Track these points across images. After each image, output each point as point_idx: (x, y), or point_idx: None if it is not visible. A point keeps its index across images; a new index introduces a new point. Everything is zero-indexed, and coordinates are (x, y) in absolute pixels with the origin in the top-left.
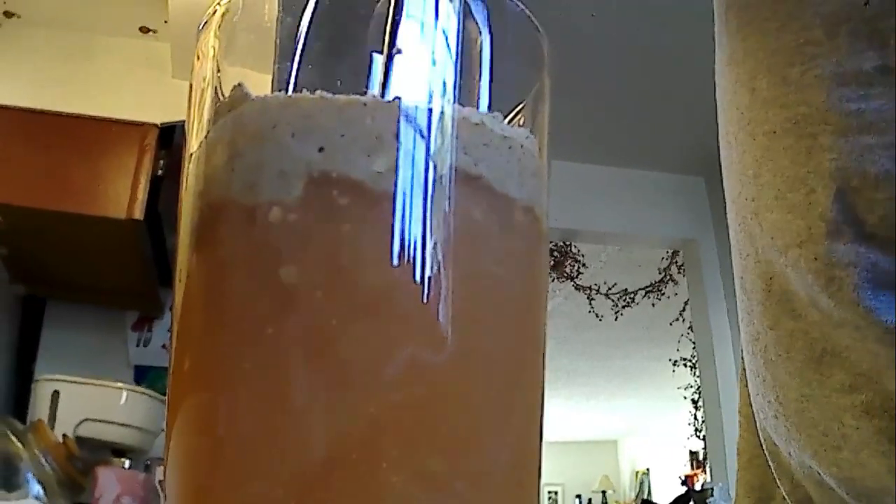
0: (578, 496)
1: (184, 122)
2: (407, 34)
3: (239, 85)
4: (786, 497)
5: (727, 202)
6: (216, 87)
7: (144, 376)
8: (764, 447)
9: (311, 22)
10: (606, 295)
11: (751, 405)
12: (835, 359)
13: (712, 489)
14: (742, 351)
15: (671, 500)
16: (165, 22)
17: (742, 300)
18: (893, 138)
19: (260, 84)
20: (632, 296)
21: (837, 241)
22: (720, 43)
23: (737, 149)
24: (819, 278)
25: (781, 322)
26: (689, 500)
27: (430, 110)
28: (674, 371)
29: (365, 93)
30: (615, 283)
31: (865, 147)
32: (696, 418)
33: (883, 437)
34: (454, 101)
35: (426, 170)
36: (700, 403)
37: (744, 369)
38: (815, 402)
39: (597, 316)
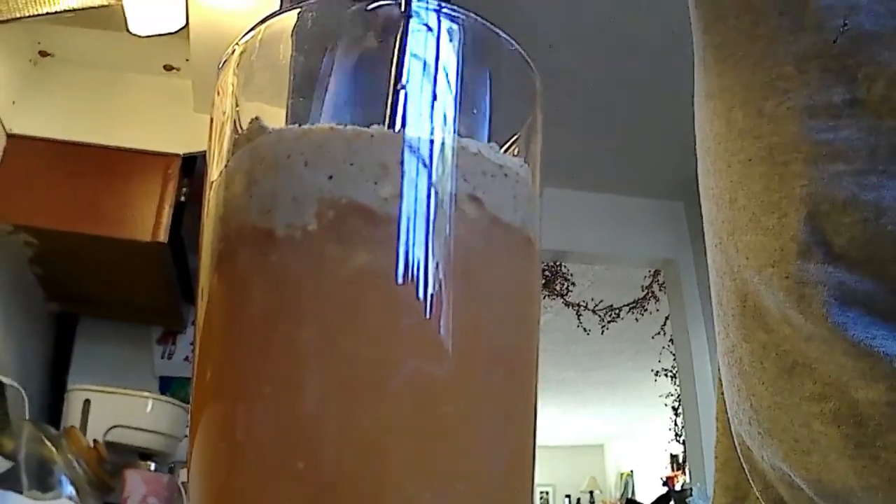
0: (568, 496)
1: (205, 152)
2: (411, 71)
3: (256, 118)
4: (759, 497)
5: (705, 224)
6: (235, 121)
7: (169, 386)
8: (739, 451)
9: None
10: (593, 311)
11: (727, 412)
12: (805, 370)
13: (691, 489)
14: (719, 362)
15: (653, 499)
16: (187, 60)
17: (719, 315)
18: (860, 166)
19: (275, 118)
20: (617, 311)
21: (808, 261)
22: (699, 78)
23: (714, 175)
24: (790, 295)
25: (755, 336)
26: (670, 500)
27: (432, 141)
28: (655, 380)
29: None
30: (601, 300)
31: (834, 174)
32: (676, 424)
33: (849, 443)
34: (454, 133)
35: (428, 196)
36: (680, 410)
37: (721, 379)
38: (787, 409)
39: (585, 330)
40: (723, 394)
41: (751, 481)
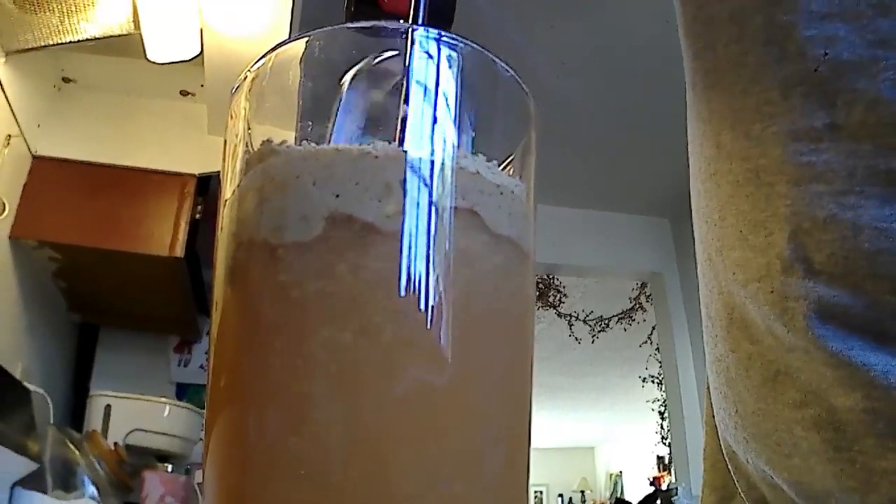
0: (560, 495)
1: (219, 172)
2: (413, 95)
3: (267, 140)
4: (744, 497)
5: (696, 241)
6: (247, 143)
7: (185, 392)
8: (725, 453)
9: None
10: (584, 321)
11: (714, 417)
12: (787, 378)
13: (677, 489)
14: (707, 370)
15: (641, 498)
16: (202, 86)
17: (707, 326)
18: (839, 187)
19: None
20: (606, 322)
21: (790, 276)
22: (690, 103)
23: (704, 195)
24: (774, 309)
25: (741, 346)
26: (657, 499)
27: (433, 161)
28: (643, 386)
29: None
30: (592, 311)
31: (815, 194)
32: (662, 427)
33: (829, 447)
34: (453, 154)
35: (429, 213)
36: (666, 414)
37: (708, 386)
38: (770, 415)
39: (576, 339)
40: (711, 400)
41: (736, 482)
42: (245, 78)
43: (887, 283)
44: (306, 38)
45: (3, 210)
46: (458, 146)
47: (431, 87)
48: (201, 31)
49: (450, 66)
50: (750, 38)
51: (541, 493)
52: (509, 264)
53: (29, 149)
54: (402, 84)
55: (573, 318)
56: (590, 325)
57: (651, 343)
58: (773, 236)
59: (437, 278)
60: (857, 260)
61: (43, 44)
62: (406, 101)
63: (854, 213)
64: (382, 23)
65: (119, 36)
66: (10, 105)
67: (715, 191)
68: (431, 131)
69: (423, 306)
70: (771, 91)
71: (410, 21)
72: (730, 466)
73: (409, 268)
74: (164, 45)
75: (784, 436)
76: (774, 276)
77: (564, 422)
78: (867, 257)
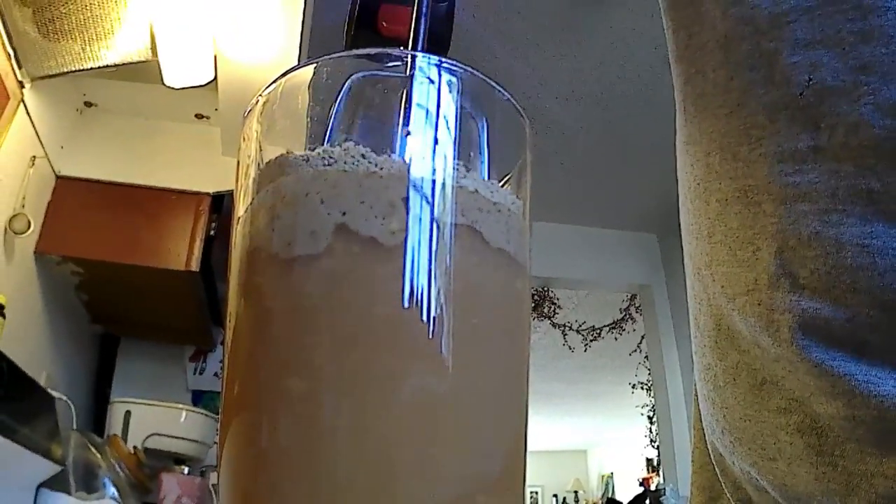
0: (555, 496)
1: (232, 191)
2: (415, 118)
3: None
4: (730, 498)
5: (685, 257)
6: (259, 163)
7: (200, 399)
8: (712, 456)
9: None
10: (577, 331)
11: (702, 422)
12: (772, 386)
13: (665, 489)
14: (695, 378)
15: (631, 498)
16: (216, 110)
17: (696, 337)
18: (823, 206)
19: None
20: (598, 331)
21: (776, 290)
22: (680, 125)
23: (694, 213)
24: (761, 321)
25: (729, 356)
26: (646, 499)
27: (434, 181)
28: (633, 392)
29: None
30: (584, 321)
31: (800, 213)
32: (651, 431)
33: (811, 452)
34: (454, 173)
35: (431, 229)
36: (654, 419)
37: (696, 393)
38: (756, 421)
39: (569, 348)
40: (699, 407)
41: (723, 484)
42: (257, 102)
43: (867, 297)
44: (314, 65)
45: (29, 227)
46: (457, 166)
47: (433, 110)
48: (215, 57)
49: (450, 91)
50: (736, 63)
51: (536, 493)
52: (507, 277)
53: (53, 169)
54: (402, 98)
55: (567, 328)
56: (582, 335)
57: (640, 351)
58: (760, 252)
59: (439, 291)
60: (838, 275)
61: (66, 70)
62: (407, 122)
63: (837, 231)
64: (386, 50)
65: (138, 62)
66: (34, 128)
67: (704, 209)
68: (433, 153)
69: (425, 318)
70: (757, 115)
71: (410, 47)
72: (717, 469)
73: (412, 281)
74: (180, 71)
75: (769, 440)
76: (761, 290)
77: (559, 426)
78: (848, 272)
